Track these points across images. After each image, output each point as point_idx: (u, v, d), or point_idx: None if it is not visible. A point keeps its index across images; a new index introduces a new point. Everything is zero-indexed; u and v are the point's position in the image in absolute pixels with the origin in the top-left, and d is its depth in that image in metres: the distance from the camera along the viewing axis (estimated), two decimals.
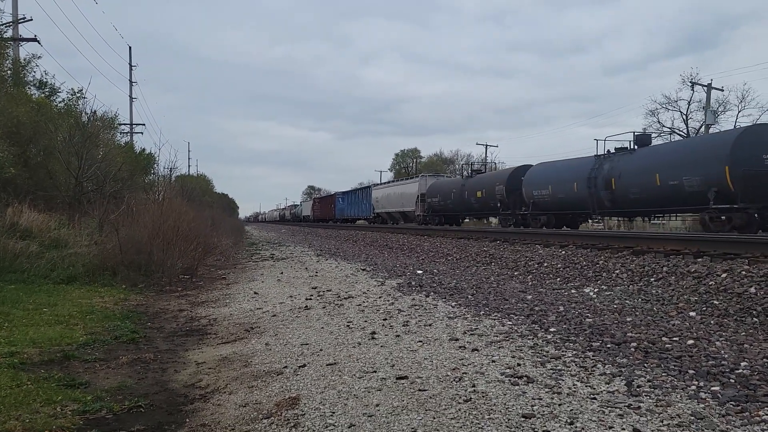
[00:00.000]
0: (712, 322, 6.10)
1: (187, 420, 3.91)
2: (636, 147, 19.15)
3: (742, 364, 4.19)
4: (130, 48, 42.53)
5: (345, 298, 8.00)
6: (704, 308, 6.72)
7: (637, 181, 17.88)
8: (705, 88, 39.19)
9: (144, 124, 70.89)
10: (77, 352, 5.56)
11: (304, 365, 4.70)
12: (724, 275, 7.48)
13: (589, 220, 23.88)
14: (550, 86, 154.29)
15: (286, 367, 4.75)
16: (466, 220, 35.02)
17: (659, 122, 46.34)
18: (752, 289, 6.76)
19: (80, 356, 5.45)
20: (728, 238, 10.61)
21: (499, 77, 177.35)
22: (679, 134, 44.21)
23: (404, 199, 38.46)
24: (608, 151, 20.26)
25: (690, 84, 41.60)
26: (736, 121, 41.67)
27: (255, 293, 9.44)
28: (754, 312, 6.23)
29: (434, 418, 3.28)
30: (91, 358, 5.42)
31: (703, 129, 40.15)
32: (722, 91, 41.12)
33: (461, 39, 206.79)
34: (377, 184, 50.17)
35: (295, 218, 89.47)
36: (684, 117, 45.28)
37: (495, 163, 31.40)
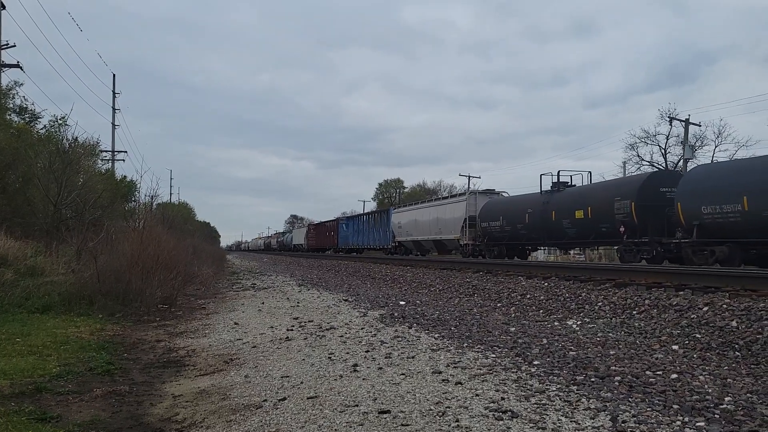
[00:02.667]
0: (694, 355, 6.10)
1: None
2: None
3: (726, 399, 4.18)
4: (114, 75, 42.63)
5: (327, 329, 7.89)
6: (687, 341, 6.72)
7: None
8: (683, 123, 40.03)
9: (126, 152, 70.41)
10: (50, 385, 5.39)
11: (285, 398, 4.60)
12: (705, 308, 7.51)
13: None
14: (531, 118, 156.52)
15: (265, 400, 4.64)
16: (538, 250, 26.00)
17: (639, 156, 47.15)
18: (734, 323, 6.78)
19: (53, 389, 5.29)
20: (708, 271, 10.69)
21: (481, 108, 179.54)
22: (658, 167, 44.91)
23: (442, 225, 30.11)
24: None
25: (668, 119, 42.47)
26: (713, 156, 42.50)
27: (235, 324, 9.29)
28: (736, 346, 6.25)
29: None
30: (64, 391, 5.26)
31: (681, 163, 40.84)
32: (699, 126, 42.06)
33: (444, 70, 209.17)
34: (399, 206, 42.87)
35: (284, 247, 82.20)
36: (663, 151, 46.13)
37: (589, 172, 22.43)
